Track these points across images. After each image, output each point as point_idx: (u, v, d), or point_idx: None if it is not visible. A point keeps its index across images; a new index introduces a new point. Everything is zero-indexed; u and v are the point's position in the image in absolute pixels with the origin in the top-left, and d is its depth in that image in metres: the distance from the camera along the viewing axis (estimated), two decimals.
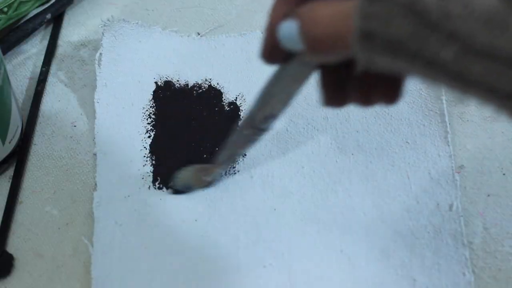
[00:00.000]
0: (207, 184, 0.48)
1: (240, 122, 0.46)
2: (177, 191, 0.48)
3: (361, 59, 0.30)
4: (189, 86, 0.54)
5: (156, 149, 0.50)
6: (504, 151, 0.50)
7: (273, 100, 0.38)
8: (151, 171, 0.49)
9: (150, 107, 0.52)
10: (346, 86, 0.35)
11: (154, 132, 0.51)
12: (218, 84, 0.54)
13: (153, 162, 0.49)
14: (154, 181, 0.48)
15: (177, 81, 0.54)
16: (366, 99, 0.35)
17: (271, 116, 0.40)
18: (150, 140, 0.50)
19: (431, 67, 0.28)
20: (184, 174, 0.48)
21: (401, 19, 0.28)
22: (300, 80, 0.36)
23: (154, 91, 0.53)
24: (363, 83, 0.35)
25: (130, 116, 0.52)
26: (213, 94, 0.53)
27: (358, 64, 0.31)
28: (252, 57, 0.55)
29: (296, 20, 0.31)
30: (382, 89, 0.35)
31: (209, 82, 0.54)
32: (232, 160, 0.48)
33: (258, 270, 0.44)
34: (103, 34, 0.55)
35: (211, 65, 0.55)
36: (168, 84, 0.54)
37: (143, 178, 0.48)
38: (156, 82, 0.54)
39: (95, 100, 0.52)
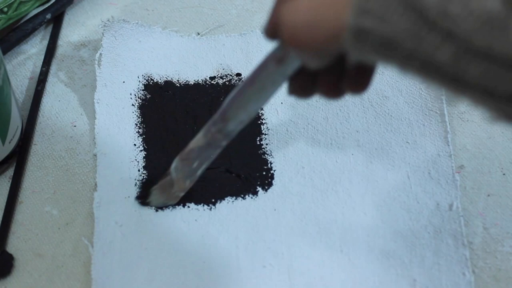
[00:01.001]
0: (179, 197, 0.46)
1: (205, 129, 0.42)
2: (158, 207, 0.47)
3: (351, 56, 0.29)
4: (189, 86, 0.53)
5: (156, 150, 0.50)
6: (504, 151, 0.50)
7: (249, 105, 0.37)
8: (152, 171, 0.49)
9: (150, 106, 0.52)
10: (316, 77, 0.34)
11: (154, 133, 0.51)
12: (218, 83, 0.54)
13: (154, 162, 0.49)
14: (154, 181, 0.48)
15: (177, 81, 0.54)
16: (335, 90, 0.34)
17: (242, 123, 0.39)
18: (151, 140, 0.50)
19: (426, 67, 0.27)
20: (155, 194, 0.46)
21: (399, 16, 0.27)
22: (278, 82, 0.35)
23: (154, 91, 0.53)
24: (333, 74, 0.33)
25: (130, 116, 0.52)
26: (213, 94, 0.53)
27: (347, 61, 0.30)
28: (252, 57, 0.55)
29: (274, 10, 0.30)
30: (353, 78, 0.33)
31: (210, 82, 0.54)
32: (191, 172, 0.44)
33: (258, 270, 0.44)
34: (103, 34, 0.54)
35: (211, 65, 0.55)
36: (168, 84, 0.54)
37: (143, 179, 0.48)
38: (156, 82, 0.54)
39: (95, 101, 0.52)
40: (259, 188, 0.48)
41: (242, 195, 0.48)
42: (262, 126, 0.51)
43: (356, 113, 0.51)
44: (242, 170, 0.49)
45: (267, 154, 0.50)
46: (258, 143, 0.50)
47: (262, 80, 0.36)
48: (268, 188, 0.48)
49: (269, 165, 0.49)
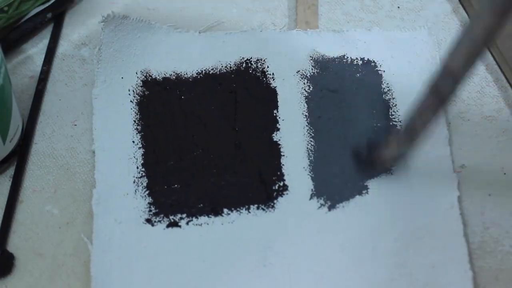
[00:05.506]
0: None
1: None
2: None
3: None
4: (188, 82, 0.53)
5: (155, 146, 0.50)
6: (504, 150, 0.50)
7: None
8: (150, 169, 0.49)
9: (149, 103, 0.52)
10: None
11: (152, 130, 0.51)
12: (216, 80, 0.54)
13: (153, 159, 0.49)
14: (153, 179, 0.48)
15: (176, 77, 0.54)
16: None
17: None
18: (149, 137, 0.50)
19: None
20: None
21: None
22: None
23: (152, 87, 0.53)
24: None
25: (128, 113, 0.51)
26: (212, 90, 0.53)
27: None
28: (252, 54, 0.55)
29: None
30: None
31: (208, 79, 0.54)
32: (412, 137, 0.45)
33: (258, 270, 0.44)
34: (102, 29, 0.54)
35: (209, 61, 0.54)
36: (166, 80, 0.53)
37: (142, 176, 0.48)
38: (154, 78, 0.53)
39: (93, 96, 0.52)
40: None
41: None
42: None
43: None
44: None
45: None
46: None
47: None
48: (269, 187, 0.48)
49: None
